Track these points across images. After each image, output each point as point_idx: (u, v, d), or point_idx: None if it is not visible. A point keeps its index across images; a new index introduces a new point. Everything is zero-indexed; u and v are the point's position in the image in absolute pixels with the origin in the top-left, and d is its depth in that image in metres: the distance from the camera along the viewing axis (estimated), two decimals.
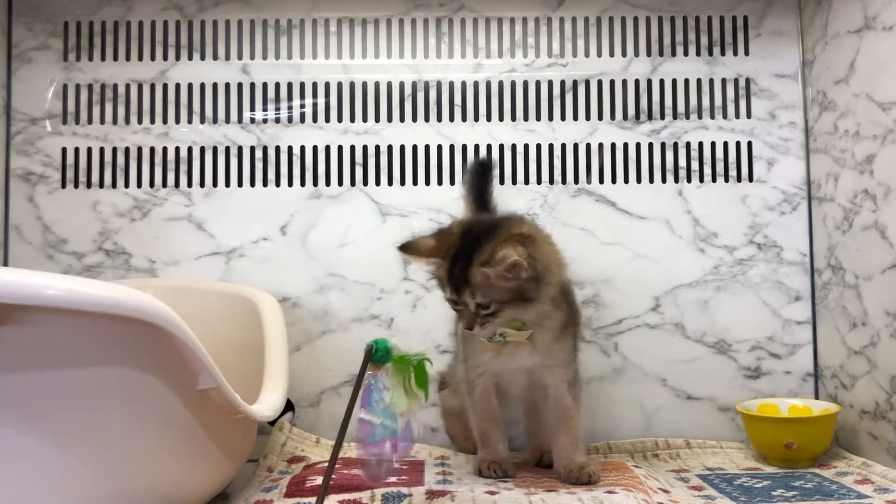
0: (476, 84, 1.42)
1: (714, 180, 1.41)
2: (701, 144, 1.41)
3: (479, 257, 1.01)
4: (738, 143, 1.41)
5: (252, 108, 1.41)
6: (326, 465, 1.13)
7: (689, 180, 1.41)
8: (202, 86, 1.41)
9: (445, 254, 1.04)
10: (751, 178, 1.41)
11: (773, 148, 1.41)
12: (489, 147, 1.41)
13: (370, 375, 0.96)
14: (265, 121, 1.41)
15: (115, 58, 1.41)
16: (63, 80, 1.40)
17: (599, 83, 1.42)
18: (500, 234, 1.03)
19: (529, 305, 1.03)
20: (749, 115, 1.42)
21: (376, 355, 0.95)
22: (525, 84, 1.42)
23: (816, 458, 1.23)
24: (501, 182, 1.40)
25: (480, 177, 1.28)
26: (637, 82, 1.42)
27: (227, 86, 1.41)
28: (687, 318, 1.39)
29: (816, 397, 1.38)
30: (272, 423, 1.26)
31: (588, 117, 1.42)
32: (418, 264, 1.12)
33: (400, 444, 0.96)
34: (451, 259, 1.04)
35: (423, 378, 0.98)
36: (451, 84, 1.42)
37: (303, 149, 1.41)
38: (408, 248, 1.08)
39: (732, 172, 1.41)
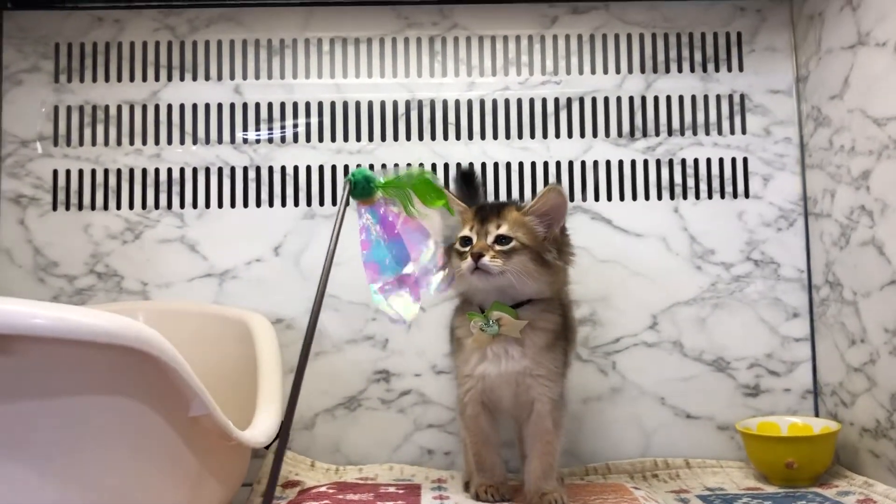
0: (470, 102, 1.42)
1: (710, 197, 1.40)
2: (696, 161, 1.41)
3: (515, 205, 1.05)
4: (733, 160, 1.41)
5: (245, 129, 1.40)
6: (322, 489, 1.12)
7: (684, 197, 1.40)
8: (194, 106, 1.40)
9: (474, 204, 1.09)
10: (747, 195, 1.40)
11: (769, 164, 1.41)
12: (483, 165, 1.40)
13: (365, 211, 0.87)
14: (258, 141, 1.40)
15: (107, 79, 1.40)
16: (54, 102, 1.39)
17: (594, 100, 1.42)
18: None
19: (542, 269, 1.02)
20: (744, 132, 1.41)
21: (357, 189, 0.87)
22: (519, 102, 1.42)
23: (818, 477, 1.22)
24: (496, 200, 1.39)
25: (465, 186, 1.27)
26: (631, 99, 1.42)
27: (220, 106, 1.41)
28: (685, 335, 1.38)
29: (816, 415, 1.36)
30: (267, 446, 1.25)
31: (582, 135, 1.41)
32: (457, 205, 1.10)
33: (427, 272, 0.89)
34: (479, 207, 1.07)
35: (430, 192, 0.89)
36: (445, 102, 1.41)
37: (296, 169, 1.40)
38: (466, 178, 1.13)
39: (728, 189, 1.40)
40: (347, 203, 0.88)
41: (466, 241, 1.03)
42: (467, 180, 1.28)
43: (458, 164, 1.39)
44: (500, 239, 1.01)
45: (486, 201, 1.11)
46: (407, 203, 0.90)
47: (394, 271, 0.88)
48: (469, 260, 1.00)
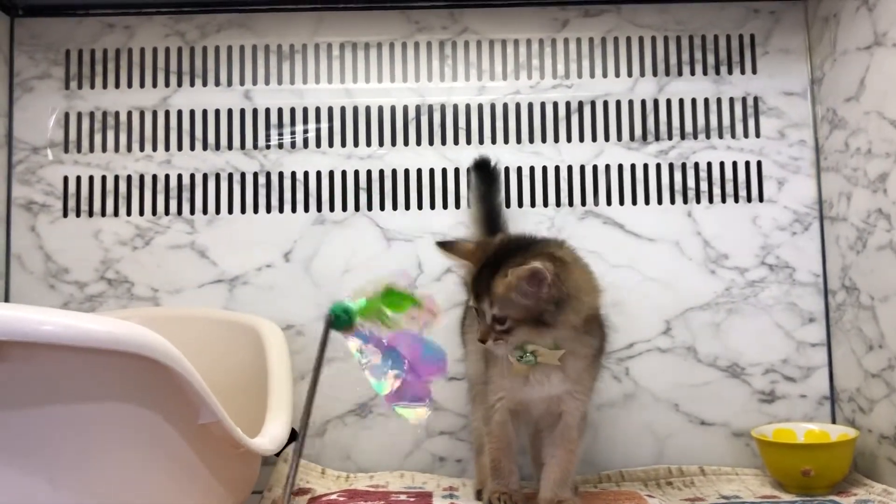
0: (480, 106, 1.41)
1: (724, 201, 1.39)
2: (710, 165, 1.39)
3: (505, 268, 0.99)
4: (747, 163, 1.39)
5: (255, 134, 1.40)
6: (333, 497, 1.11)
7: (698, 201, 1.39)
8: (204, 112, 1.40)
9: (478, 260, 1.04)
10: (761, 198, 1.39)
11: (784, 167, 1.39)
12: (468, 172, 1.38)
13: (352, 339, 0.92)
14: (268, 146, 1.40)
15: (117, 85, 1.40)
16: (65, 109, 1.40)
17: (605, 104, 1.41)
18: (533, 251, 1.01)
19: (545, 330, 0.99)
20: (758, 135, 1.40)
21: (338, 322, 0.92)
22: (530, 106, 1.41)
23: (835, 485, 1.20)
24: (507, 205, 1.38)
25: (481, 176, 1.28)
26: (643, 103, 1.40)
27: (230, 112, 1.40)
28: (699, 341, 1.36)
29: (833, 422, 1.34)
30: (277, 453, 1.24)
31: (594, 139, 1.40)
32: (455, 263, 1.09)
33: (426, 366, 0.92)
34: (480, 266, 1.03)
35: (396, 301, 0.93)
36: (456, 107, 1.41)
37: (306, 174, 1.39)
38: (446, 246, 1.08)
39: (742, 192, 1.39)
40: (327, 335, 0.93)
41: (476, 309, 1.03)
42: (483, 170, 1.27)
43: (475, 159, 1.37)
44: (496, 318, 1.00)
45: (491, 246, 1.06)
46: (385, 320, 0.94)
47: (403, 379, 0.93)
48: (478, 333, 1.02)
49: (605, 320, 1.11)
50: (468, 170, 1.34)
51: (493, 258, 1.02)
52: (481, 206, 1.30)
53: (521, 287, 0.97)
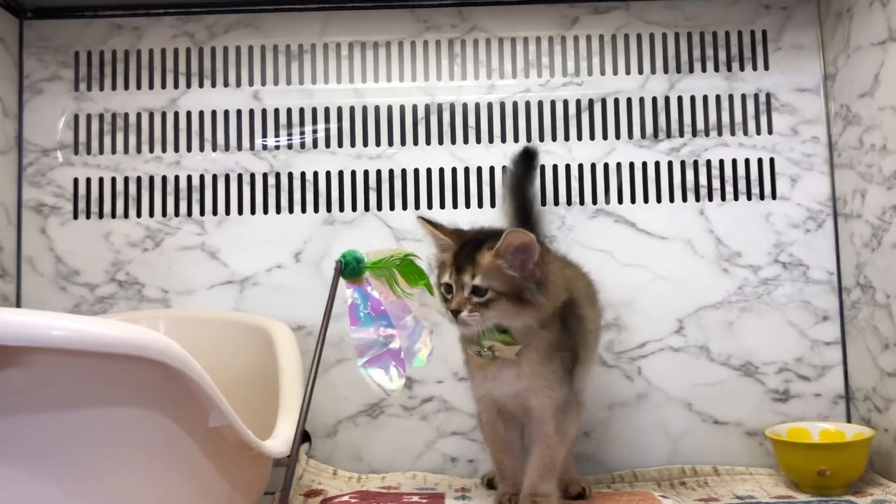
0: (490, 105, 1.40)
1: (736, 198, 1.38)
2: (722, 162, 1.38)
3: (489, 244, 1.00)
4: (759, 160, 1.38)
5: (264, 135, 1.40)
6: (345, 498, 1.11)
7: (710, 199, 1.38)
8: (213, 113, 1.40)
9: (459, 239, 1.04)
10: (774, 196, 1.38)
11: (797, 164, 1.38)
12: (504, 168, 1.38)
13: (353, 291, 0.92)
14: (277, 147, 1.40)
15: (126, 87, 1.40)
16: (74, 111, 1.40)
17: (616, 102, 1.40)
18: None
19: (523, 309, 1.00)
20: (770, 131, 1.38)
21: (347, 269, 0.94)
22: (540, 104, 1.40)
23: (851, 484, 1.18)
24: (503, 203, 1.37)
25: (524, 166, 1.26)
26: (654, 100, 1.39)
27: (239, 112, 1.40)
28: (712, 340, 1.35)
29: (848, 421, 1.33)
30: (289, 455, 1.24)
31: (605, 137, 1.39)
32: (432, 238, 1.08)
33: (404, 346, 0.94)
34: (461, 244, 1.03)
35: (413, 274, 0.96)
36: (465, 106, 1.40)
37: (316, 174, 1.39)
38: (429, 220, 1.07)
39: (755, 190, 1.38)
40: (337, 282, 0.93)
41: (448, 287, 1.03)
42: (528, 159, 1.27)
43: (492, 175, 1.38)
44: (476, 290, 0.99)
45: (469, 233, 1.06)
46: (392, 283, 0.97)
47: (380, 346, 0.94)
48: (449, 315, 1.01)
49: (575, 317, 1.10)
50: (514, 159, 1.29)
51: (476, 239, 1.04)
52: (514, 200, 1.26)
53: (509, 256, 0.98)
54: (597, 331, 1.19)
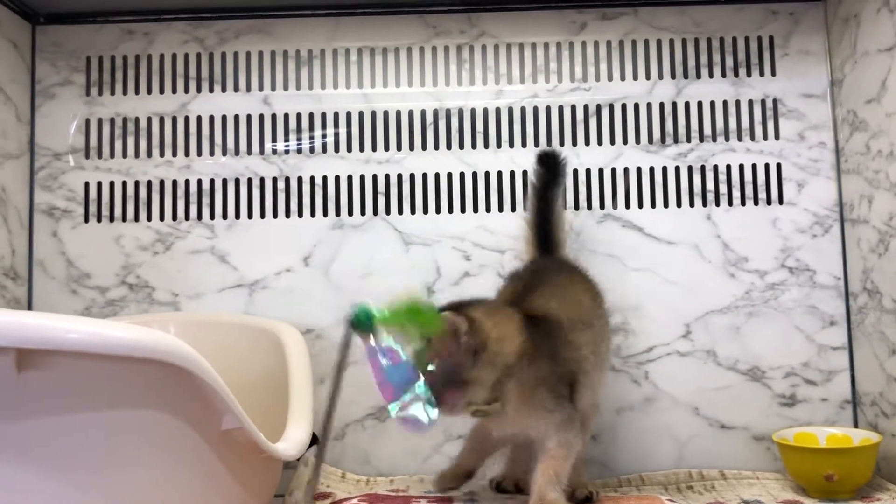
0: (498, 110, 1.41)
1: (743, 203, 1.38)
2: (729, 167, 1.39)
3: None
4: (766, 165, 1.39)
5: (273, 139, 1.41)
6: (354, 501, 1.12)
7: (717, 204, 1.38)
8: (223, 118, 1.41)
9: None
10: (781, 201, 1.38)
11: (803, 169, 1.38)
12: (512, 173, 1.39)
13: (368, 343, 0.93)
14: (287, 151, 1.41)
15: (137, 91, 1.42)
16: (85, 115, 1.41)
17: (623, 107, 1.40)
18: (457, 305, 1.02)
19: (468, 388, 0.98)
20: (777, 137, 1.39)
21: (360, 324, 0.93)
22: (548, 109, 1.41)
23: (858, 489, 1.19)
24: (525, 209, 1.38)
25: (546, 172, 1.24)
26: (662, 105, 1.40)
27: (249, 117, 1.41)
28: (718, 344, 1.36)
29: (856, 426, 1.33)
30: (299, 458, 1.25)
31: (612, 142, 1.40)
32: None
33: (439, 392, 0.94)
34: None
35: (421, 317, 0.94)
36: (473, 111, 1.41)
37: (325, 179, 1.40)
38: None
39: (762, 195, 1.38)
40: (349, 338, 0.95)
41: None
42: (549, 163, 1.24)
43: (499, 180, 1.39)
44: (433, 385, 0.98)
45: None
46: (406, 333, 0.95)
47: (410, 391, 0.94)
48: None
49: (564, 343, 1.08)
50: (534, 166, 1.27)
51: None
52: (537, 208, 1.25)
53: (443, 347, 0.97)
54: (600, 347, 1.15)
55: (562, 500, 1.04)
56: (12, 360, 0.72)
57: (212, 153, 1.41)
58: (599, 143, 1.40)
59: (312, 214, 1.39)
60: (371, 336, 0.94)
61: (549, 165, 1.25)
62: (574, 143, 1.40)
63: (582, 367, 1.09)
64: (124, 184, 1.40)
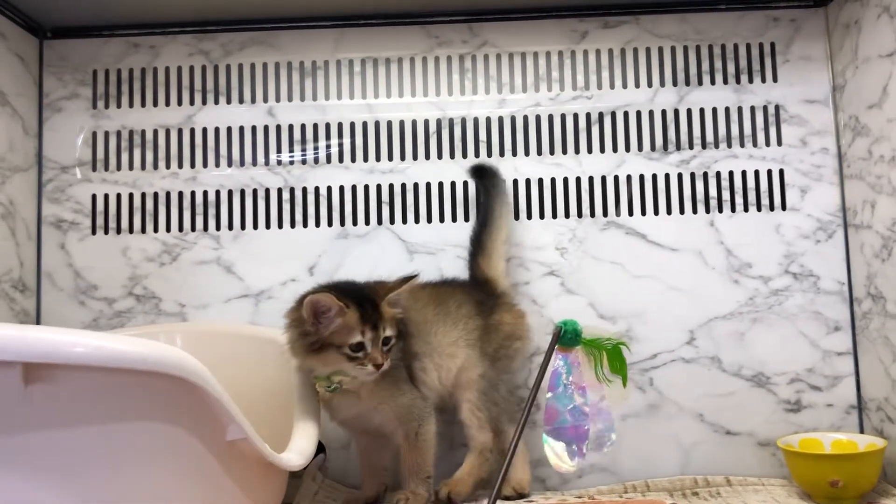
0: (501, 119, 1.42)
1: (746, 210, 1.38)
2: (731, 173, 1.39)
3: (382, 297, 1.10)
4: (769, 171, 1.39)
5: (278, 150, 1.42)
6: None
7: (720, 210, 1.39)
8: (229, 129, 1.42)
9: (352, 300, 1.08)
10: (784, 207, 1.38)
11: (806, 175, 1.38)
12: (515, 182, 1.40)
13: (558, 358, 0.95)
14: (291, 162, 1.42)
15: (143, 104, 1.43)
16: (92, 128, 1.42)
17: (626, 115, 1.41)
18: (387, 281, 1.14)
19: (404, 342, 1.14)
20: (780, 143, 1.39)
21: (564, 337, 0.95)
22: (550, 118, 1.41)
23: (864, 495, 1.19)
24: (529, 217, 1.39)
25: (481, 182, 1.35)
26: (664, 112, 1.41)
27: (254, 128, 1.42)
28: (723, 351, 1.36)
29: (861, 431, 1.33)
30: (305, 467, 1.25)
31: (615, 149, 1.40)
32: (333, 308, 1.06)
33: (593, 431, 0.95)
34: (358, 303, 1.08)
35: (617, 363, 0.97)
36: (476, 120, 1.42)
37: (329, 189, 1.41)
38: (335, 293, 1.07)
39: (765, 201, 1.38)
40: (554, 347, 0.97)
41: (359, 346, 1.07)
42: (480, 176, 1.35)
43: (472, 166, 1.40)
44: (386, 340, 1.09)
45: (349, 291, 1.09)
46: (598, 365, 0.98)
47: (570, 420, 0.95)
48: (371, 368, 1.07)
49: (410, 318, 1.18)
50: (469, 174, 1.39)
51: (363, 295, 1.09)
52: (477, 215, 1.36)
53: (401, 301, 1.12)
54: (440, 325, 1.22)
55: (422, 492, 1.13)
56: (19, 374, 0.73)
57: (217, 164, 1.42)
58: (602, 150, 1.41)
59: (317, 224, 1.40)
60: (568, 351, 0.96)
61: (480, 178, 1.35)
62: (577, 151, 1.41)
63: (425, 343, 1.20)
64: (131, 196, 1.41)
